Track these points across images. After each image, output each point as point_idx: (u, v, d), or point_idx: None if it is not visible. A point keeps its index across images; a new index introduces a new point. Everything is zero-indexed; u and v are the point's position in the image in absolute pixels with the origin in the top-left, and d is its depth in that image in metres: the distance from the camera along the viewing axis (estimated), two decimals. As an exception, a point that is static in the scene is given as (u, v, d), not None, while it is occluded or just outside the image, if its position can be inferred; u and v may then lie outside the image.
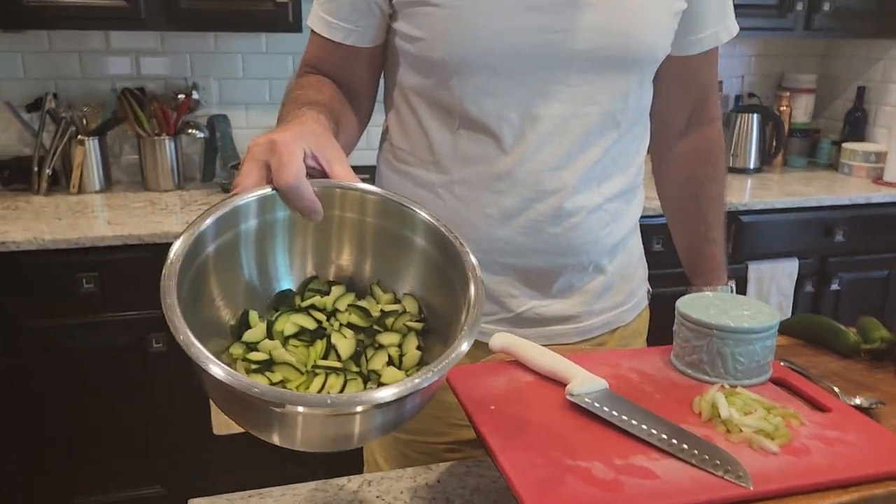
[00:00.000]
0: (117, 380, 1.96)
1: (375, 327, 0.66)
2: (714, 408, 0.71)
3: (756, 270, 2.41)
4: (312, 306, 0.67)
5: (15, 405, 1.92)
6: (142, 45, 2.35)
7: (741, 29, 2.55)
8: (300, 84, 0.93)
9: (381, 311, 0.68)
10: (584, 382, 0.75)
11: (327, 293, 0.69)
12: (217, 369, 0.51)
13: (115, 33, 2.31)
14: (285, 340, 0.64)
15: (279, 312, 0.66)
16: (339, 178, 0.67)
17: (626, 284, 1.06)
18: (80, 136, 2.23)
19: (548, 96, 0.89)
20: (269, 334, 0.64)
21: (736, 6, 2.43)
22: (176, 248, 0.58)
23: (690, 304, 0.82)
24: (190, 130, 2.34)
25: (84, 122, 2.27)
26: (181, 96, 2.32)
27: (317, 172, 0.66)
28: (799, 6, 2.45)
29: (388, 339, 0.66)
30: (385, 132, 1.03)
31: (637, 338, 1.11)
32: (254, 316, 0.64)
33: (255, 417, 0.55)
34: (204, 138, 2.39)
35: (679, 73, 1.03)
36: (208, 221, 0.61)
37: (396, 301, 0.70)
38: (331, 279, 0.71)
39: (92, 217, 2.02)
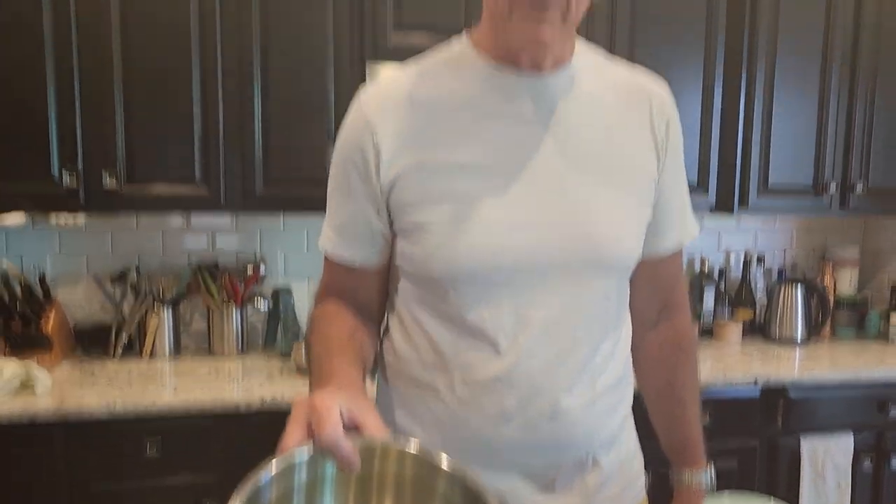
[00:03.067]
0: (170, 546, 2.01)
1: None
2: None
3: (809, 446, 2.36)
4: None
5: (71, 569, 1.97)
6: (218, 224, 2.59)
7: (780, 209, 2.64)
8: (320, 316, 1.05)
9: None
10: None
11: None
12: None
13: (195, 214, 2.56)
14: None
15: None
16: (370, 430, 0.74)
17: (623, 475, 1.10)
18: (156, 306, 2.43)
19: (535, 303, 0.98)
20: None
21: (773, 187, 2.59)
22: (238, 501, 0.65)
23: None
24: (255, 301, 2.52)
25: (161, 293, 2.47)
26: (249, 269, 2.52)
27: (351, 427, 0.74)
28: (832, 187, 2.56)
29: None
30: (385, 332, 1.11)
31: None
32: None
33: None
34: (267, 309, 2.56)
35: (647, 273, 1.11)
36: (265, 475, 0.68)
37: None
38: None
39: (160, 385, 2.16)
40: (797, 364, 2.48)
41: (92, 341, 2.44)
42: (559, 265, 0.98)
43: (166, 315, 2.44)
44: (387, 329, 1.11)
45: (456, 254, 0.96)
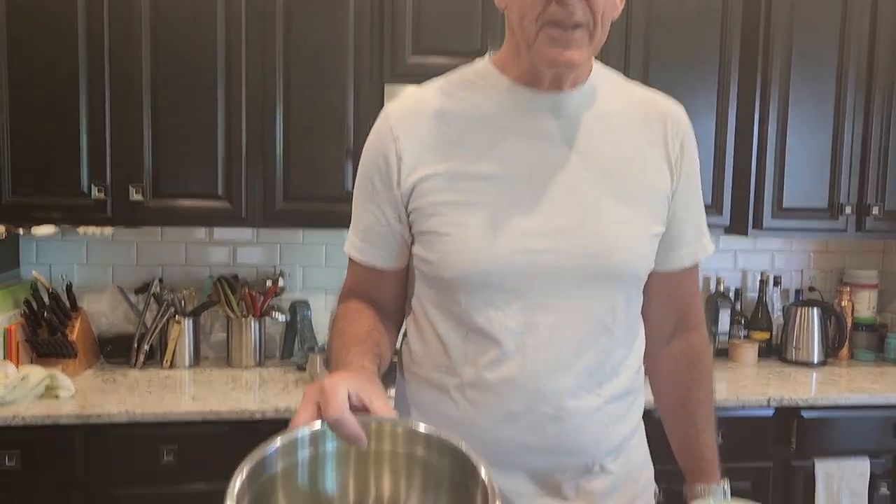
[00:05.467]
0: (184, 551, 2.05)
1: None
2: None
3: (824, 469, 2.34)
4: None
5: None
6: (239, 238, 2.66)
7: (794, 230, 2.63)
8: (343, 314, 1.10)
9: None
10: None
11: None
12: None
13: (217, 228, 2.63)
14: None
15: None
16: (378, 411, 0.79)
17: (632, 485, 1.12)
18: (177, 317, 2.49)
19: (543, 308, 1.01)
20: None
21: (788, 209, 2.58)
22: (243, 471, 0.70)
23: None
24: (273, 313, 2.57)
25: (182, 303, 2.53)
26: (269, 282, 2.58)
27: (361, 409, 0.79)
28: (848, 209, 2.55)
29: None
30: (404, 336, 1.16)
31: None
32: None
33: None
34: (285, 321, 2.61)
35: (662, 288, 1.14)
36: (270, 448, 0.74)
37: None
38: None
39: (179, 392, 2.22)
40: (813, 386, 2.46)
41: (115, 350, 2.51)
42: (569, 273, 1.01)
43: (187, 325, 2.51)
44: (405, 330, 1.16)
45: (467, 259, 1.00)
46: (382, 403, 0.80)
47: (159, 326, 2.50)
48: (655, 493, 1.19)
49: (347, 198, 1.15)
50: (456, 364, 1.05)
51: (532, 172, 1.02)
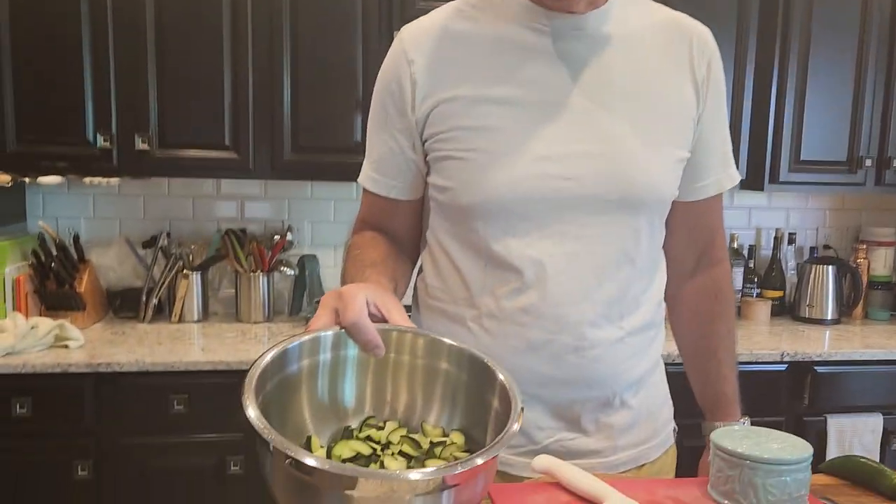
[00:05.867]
0: (196, 500, 2.05)
1: (425, 458, 0.74)
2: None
3: (836, 424, 2.32)
4: (368, 437, 0.76)
5: (99, 519, 2.03)
6: (247, 192, 2.63)
7: (811, 183, 2.58)
8: (357, 243, 1.07)
9: (431, 442, 0.76)
10: (618, 503, 0.80)
11: (383, 429, 0.78)
12: (288, 444, 0.59)
13: (225, 181, 2.60)
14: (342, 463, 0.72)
15: (339, 439, 0.76)
16: (396, 321, 0.78)
17: (651, 421, 1.09)
18: (185, 271, 2.47)
19: (563, 236, 0.98)
20: (328, 458, 0.72)
21: (805, 161, 2.52)
22: (266, 357, 0.71)
23: (724, 435, 0.86)
24: (282, 268, 2.55)
25: (190, 258, 2.51)
26: (277, 237, 2.56)
27: (378, 319, 0.77)
28: (868, 163, 2.50)
29: (436, 464, 0.72)
30: (419, 271, 1.13)
31: (663, 476, 1.13)
32: (315, 441, 0.74)
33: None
34: (294, 276, 2.59)
35: (686, 218, 1.11)
36: (294, 342, 0.73)
37: (445, 435, 0.78)
38: (386, 417, 0.80)
39: (188, 344, 2.21)
40: (826, 343, 2.44)
41: (123, 303, 2.50)
42: (590, 199, 0.98)
43: (195, 280, 2.49)
44: (420, 264, 1.13)
45: (485, 185, 0.97)
46: (400, 315, 0.78)
47: (167, 280, 2.48)
48: (675, 431, 1.16)
49: (357, 149, 1.13)
50: (474, 295, 1.02)
51: (552, 96, 0.98)
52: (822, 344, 2.41)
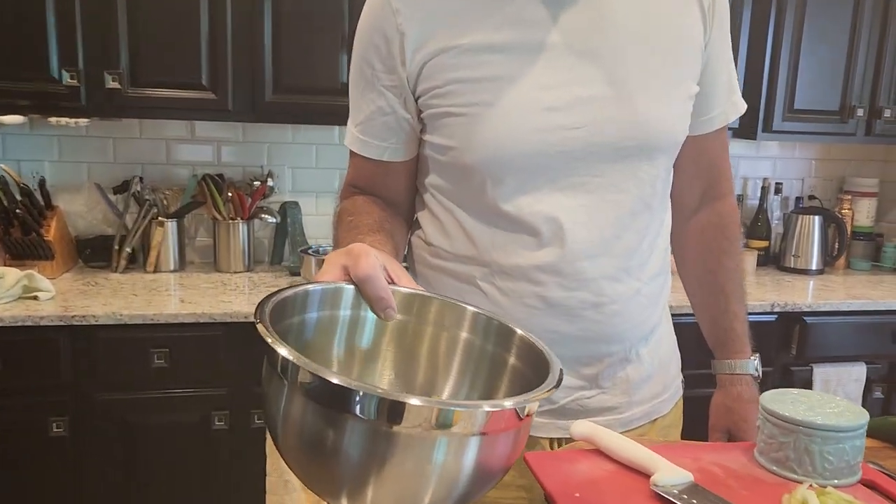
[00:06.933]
0: (179, 456, 1.99)
1: None
2: (806, 506, 0.70)
3: (822, 374, 2.35)
4: None
5: (76, 475, 1.95)
6: (224, 135, 2.49)
7: (803, 133, 2.55)
8: (349, 209, 0.98)
9: None
10: (669, 474, 0.75)
11: None
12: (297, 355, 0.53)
13: (200, 123, 2.46)
14: None
15: None
16: (405, 285, 0.71)
17: (663, 374, 1.06)
18: (160, 218, 2.35)
19: (577, 188, 0.92)
20: None
21: (798, 111, 2.47)
22: (283, 293, 0.64)
23: (776, 400, 0.82)
24: (263, 216, 2.45)
25: (165, 204, 2.39)
26: (257, 183, 2.44)
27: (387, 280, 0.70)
28: (860, 112, 2.48)
29: None
30: (415, 226, 1.06)
31: (674, 429, 1.10)
32: None
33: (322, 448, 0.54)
34: (275, 223, 2.49)
35: (692, 153, 1.05)
36: (315, 286, 0.66)
37: None
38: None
39: (166, 295, 2.11)
40: (812, 292, 2.44)
41: (94, 253, 2.38)
42: (603, 147, 0.91)
43: (171, 228, 2.37)
44: (416, 224, 1.05)
45: (492, 139, 0.90)
46: (409, 282, 0.72)
47: (141, 228, 2.36)
48: (683, 383, 1.13)
49: (342, 90, 1.03)
50: (483, 254, 0.96)
51: (555, 39, 0.90)
52: (808, 294, 2.42)
